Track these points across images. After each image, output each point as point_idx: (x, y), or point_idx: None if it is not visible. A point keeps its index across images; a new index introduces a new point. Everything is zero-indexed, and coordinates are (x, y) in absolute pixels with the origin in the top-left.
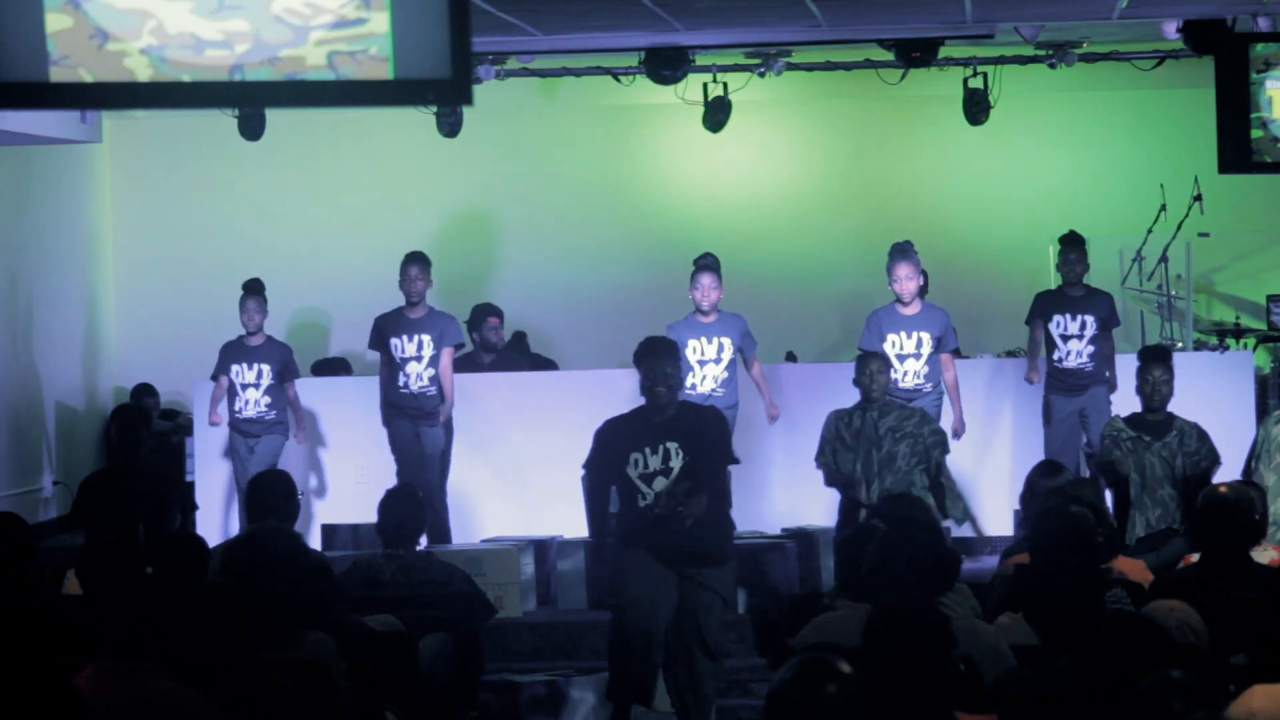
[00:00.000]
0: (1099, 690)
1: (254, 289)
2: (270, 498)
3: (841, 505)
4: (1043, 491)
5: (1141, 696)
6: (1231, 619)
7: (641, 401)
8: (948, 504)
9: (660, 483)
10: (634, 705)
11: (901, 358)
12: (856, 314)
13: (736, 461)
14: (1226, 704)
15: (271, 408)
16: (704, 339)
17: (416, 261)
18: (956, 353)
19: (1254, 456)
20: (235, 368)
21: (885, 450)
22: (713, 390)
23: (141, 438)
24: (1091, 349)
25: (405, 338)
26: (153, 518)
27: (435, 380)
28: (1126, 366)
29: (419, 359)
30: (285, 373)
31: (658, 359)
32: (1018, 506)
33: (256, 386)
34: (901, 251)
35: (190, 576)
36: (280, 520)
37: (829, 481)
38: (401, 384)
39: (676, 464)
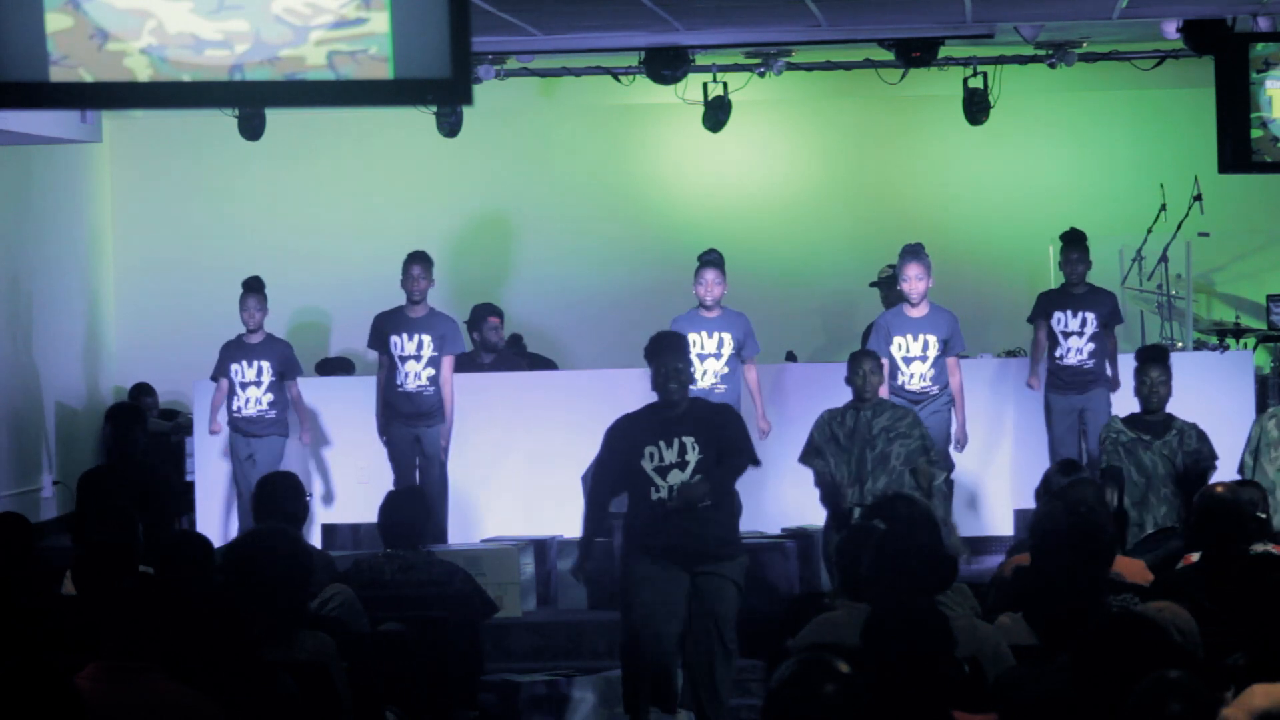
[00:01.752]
0: (1099, 690)
1: (254, 287)
2: (278, 499)
3: (829, 513)
4: (1057, 489)
5: (1139, 697)
6: (1231, 618)
7: (652, 398)
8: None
9: (676, 475)
10: (654, 710)
11: (908, 360)
12: (856, 314)
13: (758, 463)
14: (1225, 703)
15: (273, 406)
16: (704, 333)
17: (419, 261)
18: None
19: (1249, 451)
20: (235, 366)
21: (879, 450)
22: (713, 385)
23: (136, 435)
24: (1092, 346)
25: (405, 336)
26: (150, 514)
27: (433, 380)
28: (1125, 366)
29: (418, 358)
30: (286, 370)
31: (669, 354)
32: (1018, 506)
33: (258, 385)
34: (912, 252)
35: (195, 577)
36: (288, 522)
37: (819, 481)
38: (399, 382)
39: (693, 458)
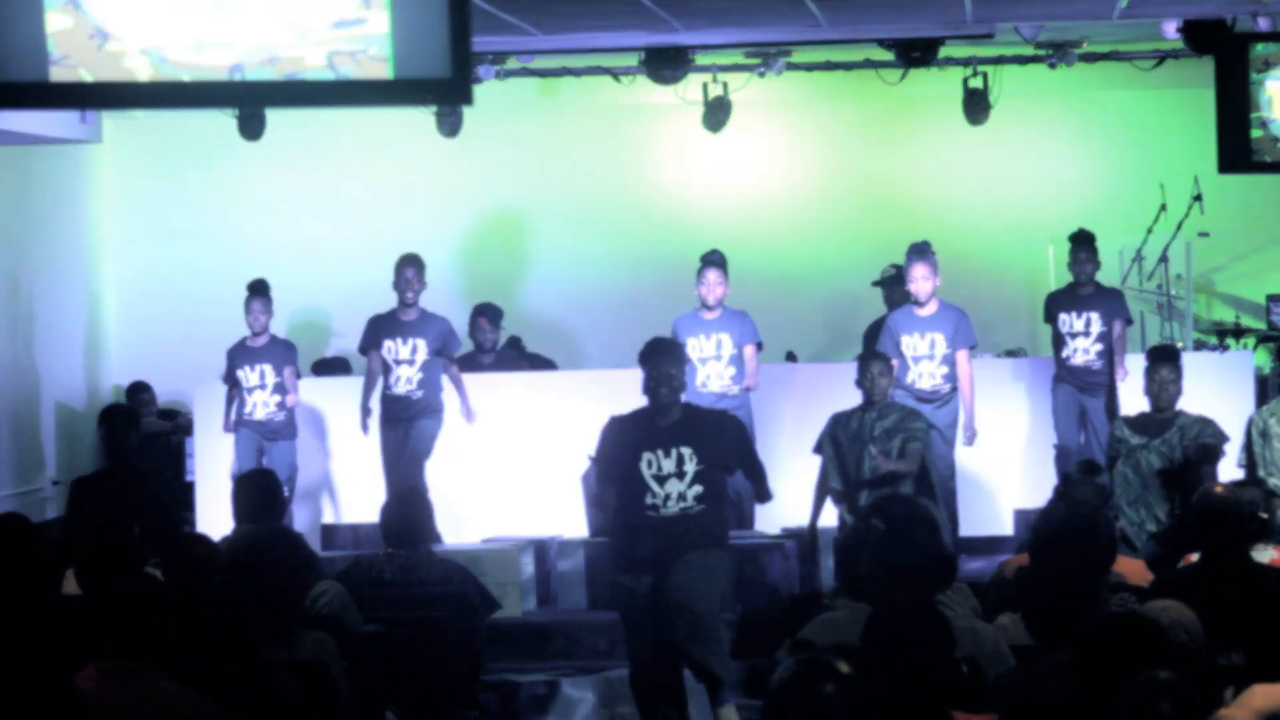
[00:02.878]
0: (1099, 690)
1: (259, 289)
2: (254, 496)
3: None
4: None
5: (1129, 698)
6: (1230, 619)
7: (643, 401)
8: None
9: (674, 485)
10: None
11: (916, 359)
12: (857, 314)
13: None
14: (1221, 704)
15: (281, 408)
16: (702, 336)
17: (412, 263)
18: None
19: (1257, 432)
20: (240, 372)
21: (880, 448)
22: (725, 389)
23: (130, 439)
24: (1099, 347)
25: (399, 340)
26: (145, 517)
27: (422, 384)
28: (1135, 366)
29: (410, 362)
30: (290, 371)
31: (661, 359)
32: (1019, 506)
33: (263, 388)
34: (918, 252)
35: (202, 579)
36: (268, 518)
37: (820, 481)
38: (389, 385)
39: (690, 468)
